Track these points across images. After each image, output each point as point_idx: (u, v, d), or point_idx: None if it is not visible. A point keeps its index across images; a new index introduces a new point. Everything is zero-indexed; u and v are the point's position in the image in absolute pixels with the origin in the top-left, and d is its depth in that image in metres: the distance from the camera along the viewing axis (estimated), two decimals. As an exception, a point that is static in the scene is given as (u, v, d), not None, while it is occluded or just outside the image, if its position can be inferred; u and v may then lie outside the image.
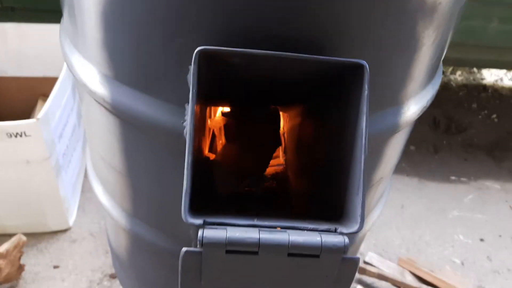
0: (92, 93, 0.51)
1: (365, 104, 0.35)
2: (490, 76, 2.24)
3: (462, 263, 1.30)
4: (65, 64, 1.01)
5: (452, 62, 1.99)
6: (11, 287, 1.10)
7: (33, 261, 1.16)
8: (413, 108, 0.53)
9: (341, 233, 0.33)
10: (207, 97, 0.54)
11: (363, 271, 1.17)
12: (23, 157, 1.04)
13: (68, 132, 1.21)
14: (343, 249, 0.32)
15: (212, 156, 0.69)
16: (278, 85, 0.48)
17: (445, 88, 2.11)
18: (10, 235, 1.13)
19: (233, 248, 0.31)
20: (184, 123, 0.41)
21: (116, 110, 0.49)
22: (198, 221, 0.32)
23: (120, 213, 0.64)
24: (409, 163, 1.63)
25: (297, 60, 0.34)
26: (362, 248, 1.28)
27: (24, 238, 1.09)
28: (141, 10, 0.40)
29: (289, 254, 0.31)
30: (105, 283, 1.13)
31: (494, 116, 1.97)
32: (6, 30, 1.35)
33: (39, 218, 1.19)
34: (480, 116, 1.96)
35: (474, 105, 2.02)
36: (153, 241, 0.62)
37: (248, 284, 0.37)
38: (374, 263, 1.21)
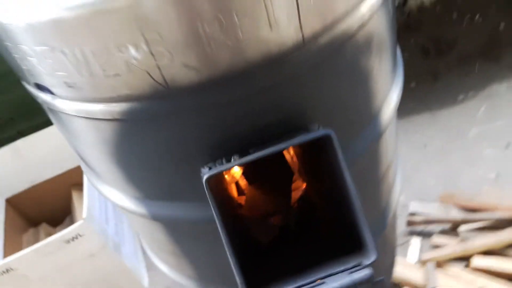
0: (126, 210, 0.60)
1: (343, 164, 0.43)
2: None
3: (497, 176, 1.36)
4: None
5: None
6: None
7: (131, 330, 1.30)
8: (387, 110, 0.60)
9: (365, 266, 0.41)
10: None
11: (412, 223, 1.25)
12: (86, 253, 1.16)
13: (111, 212, 1.32)
14: (371, 279, 0.40)
15: (242, 200, 0.78)
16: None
17: (420, 10, 2.12)
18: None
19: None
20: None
21: (155, 219, 0.58)
22: None
23: (189, 281, 0.75)
24: (416, 100, 1.68)
25: (279, 146, 0.42)
26: (404, 199, 1.36)
27: (116, 316, 1.22)
28: (148, 148, 0.49)
29: (333, 298, 0.40)
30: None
31: (477, 16, 1.97)
32: (18, 146, 1.46)
33: (119, 292, 1.32)
34: (464, 24, 1.97)
35: (455, 15, 2.03)
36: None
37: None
38: (418, 211, 1.29)
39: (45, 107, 0.54)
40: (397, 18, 1.95)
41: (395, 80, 0.64)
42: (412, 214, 1.28)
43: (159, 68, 0.40)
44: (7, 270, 1.10)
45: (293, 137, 0.44)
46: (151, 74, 0.40)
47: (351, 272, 0.41)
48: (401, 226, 1.28)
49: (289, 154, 0.75)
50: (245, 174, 0.74)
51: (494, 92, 1.63)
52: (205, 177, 0.42)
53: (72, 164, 1.52)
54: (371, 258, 0.41)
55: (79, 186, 1.56)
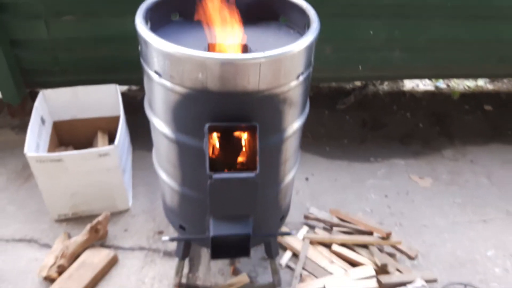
0: (165, 135, 1.31)
1: (257, 138, 1.15)
2: (410, 83, 3.06)
3: (371, 211, 2.11)
4: (122, 111, 1.84)
5: (375, 78, 2.84)
6: (102, 243, 1.90)
7: (112, 229, 1.96)
8: (290, 130, 1.34)
9: (252, 173, 1.13)
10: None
11: (307, 217, 1.98)
12: (106, 167, 1.84)
13: (125, 149, 2.01)
14: (253, 179, 1.11)
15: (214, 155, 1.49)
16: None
17: (374, 96, 2.93)
18: (95, 216, 1.92)
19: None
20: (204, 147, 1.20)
21: (177, 143, 1.30)
22: (211, 173, 1.11)
23: (176, 185, 1.45)
24: (343, 152, 2.44)
25: (239, 126, 1.15)
26: (308, 205, 2.09)
27: (109, 213, 1.89)
28: (179, 109, 1.21)
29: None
30: (156, 237, 1.94)
31: (408, 114, 2.78)
32: (77, 91, 2.15)
33: (112, 203, 1.99)
34: (398, 115, 2.77)
35: (395, 107, 2.84)
36: (190, 195, 1.43)
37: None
38: (314, 213, 2.02)
39: (147, 77, 1.25)
40: (356, 95, 2.77)
41: (300, 117, 1.38)
42: (310, 214, 2.01)
43: (207, 82, 1.13)
44: (59, 160, 1.77)
45: (239, 122, 1.17)
46: (203, 83, 1.13)
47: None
48: (301, 218, 2.00)
49: (244, 139, 1.47)
50: (220, 142, 1.46)
51: (394, 164, 2.40)
52: (207, 126, 1.14)
53: (104, 114, 2.21)
54: (256, 171, 1.14)
55: (103, 130, 2.25)
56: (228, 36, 1.33)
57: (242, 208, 1.27)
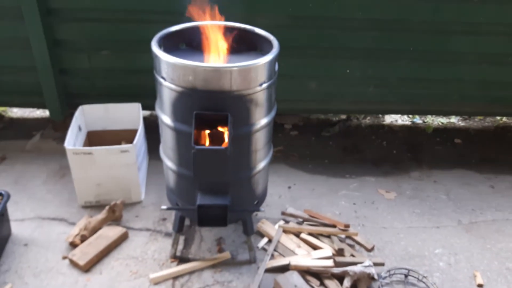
0: (168, 125, 1.83)
1: (230, 126, 1.64)
2: (389, 118, 3.52)
3: (340, 213, 2.52)
4: (141, 122, 2.42)
5: (355, 111, 3.32)
6: (117, 223, 2.37)
7: (126, 215, 2.43)
8: (258, 125, 1.83)
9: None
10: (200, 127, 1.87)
11: (284, 213, 2.40)
12: (125, 162, 2.35)
13: (141, 152, 2.54)
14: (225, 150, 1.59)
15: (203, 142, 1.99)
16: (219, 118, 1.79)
17: (357, 127, 3.40)
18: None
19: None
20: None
21: (175, 130, 1.81)
22: (194, 146, 1.60)
23: (174, 166, 1.94)
24: (323, 169, 2.89)
25: (217, 114, 1.64)
26: (287, 206, 2.51)
27: (124, 200, 2.38)
28: (177, 103, 1.74)
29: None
30: (160, 222, 2.40)
31: (384, 143, 3.22)
32: (108, 107, 2.73)
33: (128, 194, 2.48)
34: (375, 143, 3.22)
35: (373, 137, 3.29)
36: (185, 174, 1.91)
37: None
38: (291, 212, 2.44)
39: (158, 83, 1.79)
40: (340, 126, 3.31)
41: (268, 115, 1.87)
42: (286, 211, 2.43)
43: (195, 82, 1.66)
44: (89, 153, 2.30)
45: (218, 112, 1.68)
46: (192, 84, 1.66)
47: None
48: (279, 215, 2.43)
49: (223, 130, 1.95)
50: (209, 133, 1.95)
51: (365, 180, 2.82)
52: (194, 113, 1.65)
53: (129, 127, 2.75)
54: (226, 146, 1.63)
55: (127, 140, 2.80)
56: (215, 58, 1.88)
57: (218, 175, 1.74)
